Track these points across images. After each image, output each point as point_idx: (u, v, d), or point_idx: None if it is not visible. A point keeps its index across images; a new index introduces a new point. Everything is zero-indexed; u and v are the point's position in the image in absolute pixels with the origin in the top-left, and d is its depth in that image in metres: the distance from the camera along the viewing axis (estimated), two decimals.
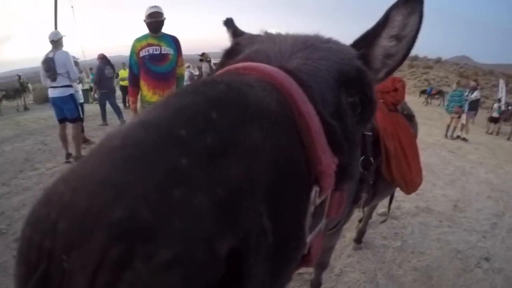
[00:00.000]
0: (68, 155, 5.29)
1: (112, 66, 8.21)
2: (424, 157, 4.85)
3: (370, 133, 1.40)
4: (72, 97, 4.90)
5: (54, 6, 16.39)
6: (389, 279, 2.26)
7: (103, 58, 8.21)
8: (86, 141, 6.37)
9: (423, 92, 20.09)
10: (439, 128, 9.74)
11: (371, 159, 1.37)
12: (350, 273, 2.32)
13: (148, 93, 3.37)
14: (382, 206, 3.06)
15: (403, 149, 1.52)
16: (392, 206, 3.27)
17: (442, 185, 4.42)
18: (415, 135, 1.87)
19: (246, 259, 0.29)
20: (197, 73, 9.21)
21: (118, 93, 12.76)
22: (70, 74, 4.75)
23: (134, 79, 3.43)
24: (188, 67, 10.24)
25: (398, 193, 1.70)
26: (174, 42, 3.45)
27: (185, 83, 8.64)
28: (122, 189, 0.23)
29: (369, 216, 2.74)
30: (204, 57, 9.33)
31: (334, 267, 2.39)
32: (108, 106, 8.18)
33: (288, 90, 0.40)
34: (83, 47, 11.21)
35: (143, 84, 3.39)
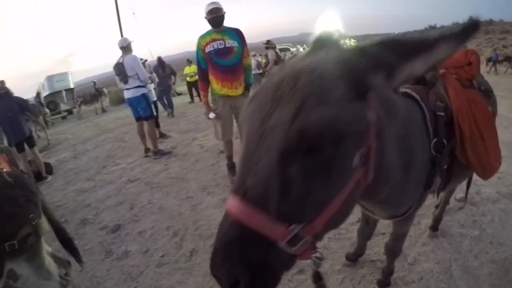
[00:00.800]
0: (147, 150, 5.78)
1: (164, 67, 9.07)
2: (507, 136, 4.46)
3: (442, 113, 1.34)
4: (144, 96, 5.33)
5: (117, 16, 17.70)
6: (464, 271, 2.15)
7: (159, 61, 9.28)
8: (162, 135, 6.88)
9: (489, 60, 17.95)
10: None
11: (444, 141, 1.31)
12: (423, 262, 2.26)
13: (217, 86, 3.51)
14: (461, 191, 2.90)
15: (479, 130, 1.41)
16: (472, 191, 3.09)
17: None
18: (494, 113, 1.72)
19: None
20: (263, 61, 9.30)
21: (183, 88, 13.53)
22: (140, 75, 5.16)
23: (202, 74, 3.58)
24: (254, 55, 10.39)
25: (478, 177, 1.62)
26: (237, 34, 3.54)
27: (254, 72, 8.89)
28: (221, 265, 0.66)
29: (446, 202, 2.61)
30: (269, 45, 9.40)
31: (407, 256, 2.35)
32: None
33: (243, 220, 0.65)
34: (150, 48, 11.96)
35: (211, 78, 3.53)
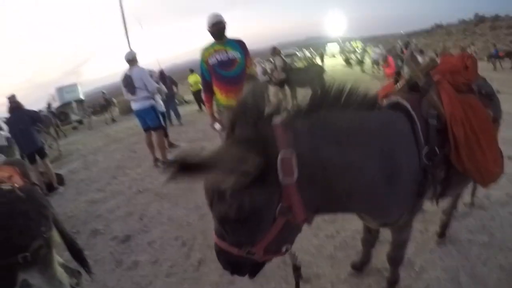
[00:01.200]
0: (156, 160, 5.86)
1: (165, 79, 9.75)
2: None
3: (434, 120, 1.37)
4: (152, 107, 5.46)
5: (124, 28, 18.02)
6: (472, 279, 2.13)
7: (160, 74, 9.77)
8: (171, 145, 6.97)
9: (490, 56, 16.92)
10: None
11: (436, 149, 1.33)
12: (431, 270, 2.25)
13: (222, 97, 3.57)
14: (468, 195, 2.91)
15: (476, 136, 1.42)
16: (480, 194, 3.06)
17: None
18: (495, 118, 1.72)
19: None
20: (269, 67, 9.37)
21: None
22: (148, 86, 5.29)
23: (207, 85, 3.65)
24: (260, 62, 10.45)
25: None
26: (239, 45, 3.59)
27: (260, 79, 8.91)
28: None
29: (453, 207, 2.58)
30: (275, 52, 9.48)
31: (414, 263, 2.34)
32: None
33: (217, 244, 1.14)
34: (157, 58, 12.15)
35: (216, 89, 3.59)
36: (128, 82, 5.27)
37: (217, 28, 3.49)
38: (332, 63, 29.15)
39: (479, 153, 1.44)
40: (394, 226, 1.52)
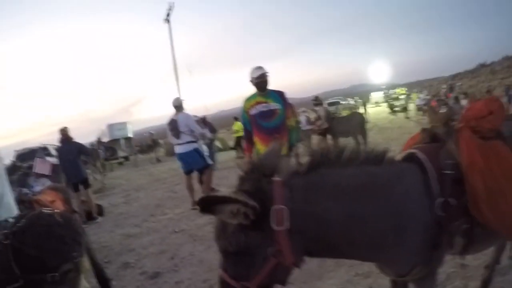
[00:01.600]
0: (194, 203, 5.81)
1: (205, 125, 9.43)
2: None
3: (450, 171, 1.33)
4: (196, 150, 5.61)
5: (175, 74, 19.37)
6: None
7: (203, 120, 9.77)
8: (211, 189, 7.01)
9: None
10: None
11: (451, 200, 1.29)
12: None
13: (262, 146, 3.63)
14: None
15: (500, 185, 1.33)
16: None
17: None
18: None
19: None
20: (313, 116, 9.49)
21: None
22: (195, 131, 5.53)
23: (248, 135, 3.78)
24: (304, 111, 10.66)
25: None
26: (280, 97, 3.72)
27: (304, 128, 8.96)
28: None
29: (495, 261, 2.33)
30: (317, 101, 9.63)
31: None
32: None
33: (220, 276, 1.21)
34: (206, 105, 12.78)
35: (256, 139, 3.69)
36: (173, 126, 5.52)
37: (260, 81, 3.65)
38: (376, 111, 29.01)
39: (504, 205, 1.34)
40: (414, 279, 1.43)
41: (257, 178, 1.22)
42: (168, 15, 23.49)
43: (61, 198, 3.40)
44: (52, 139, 8.66)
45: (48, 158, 7.62)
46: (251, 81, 3.68)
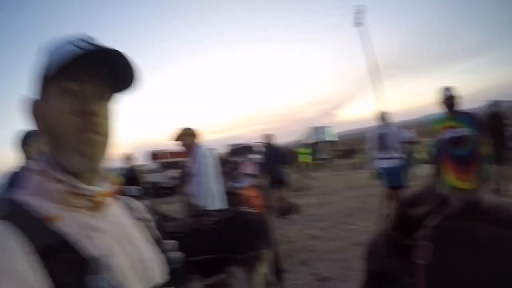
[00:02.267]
0: (384, 217, 5.87)
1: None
2: None
3: None
4: (399, 168, 5.53)
5: (371, 78, 18.74)
6: None
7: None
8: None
9: None
10: None
11: None
12: None
13: (450, 176, 3.42)
14: None
15: None
16: None
17: None
18: None
19: None
20: None
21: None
22: (399, 147, 5.47)
23: (436, 159, 3.62)
24: None
25: None
26: (473, 120, 3.44)
27: None
28: None
29: None
30: None
31: None
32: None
33: None
34: (409, 110, 12.05)
35: (444, 167, 3.48)
36: (381, 140, 5.57)
37: (450, 102, 3.44)
38: None
39: None
40: None
41: (405, 226, 1.26)
42: (358, 18, 23.27)
43: (261, 195, 4.27)
44: (258, 136, 10.12)
45: (254, 156, 9.11)
46: (441, 102, 3.52)
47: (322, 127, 21.26)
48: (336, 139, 20.87)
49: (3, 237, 0.52)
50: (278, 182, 6.81)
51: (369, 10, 23.98)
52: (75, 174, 0.62)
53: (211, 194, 3.34)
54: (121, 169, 6.97)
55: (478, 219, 1.19)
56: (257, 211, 2.95)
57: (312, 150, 19.29)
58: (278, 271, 2.94)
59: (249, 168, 7.23)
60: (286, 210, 6.68)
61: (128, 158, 7.24)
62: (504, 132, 6.54)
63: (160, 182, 14.28)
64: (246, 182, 6.26)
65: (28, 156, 2.12)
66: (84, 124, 0.62)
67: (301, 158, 13.88)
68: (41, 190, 0.61)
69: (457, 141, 3.39)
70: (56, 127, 0.62)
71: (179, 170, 10.83)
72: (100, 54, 0.64)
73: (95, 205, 0.65)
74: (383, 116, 5.64)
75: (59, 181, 0.61)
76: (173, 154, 14.89)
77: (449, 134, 3.43)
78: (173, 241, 0.77)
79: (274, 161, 6.84)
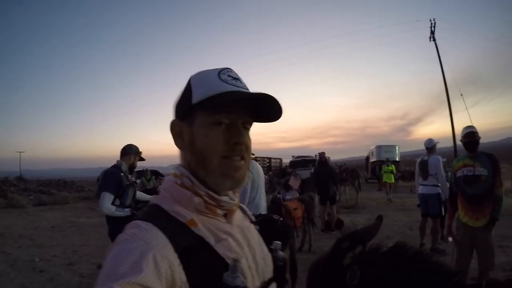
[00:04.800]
0: (421, 245, 5.91)
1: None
2: None
3: None
4: (438, 196, 5.80)
5: (446, 98, 17.97)
6: None
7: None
8: (443, 238, 6.92)
9: None
10: None
11: None
12: None
13: (461, 212, 3.64)
14: None
15: None
16: None
17: None
18: None
19: None
20: None
21: None
22: (439, 176, 5.74)
23: (452, 197, 3.82)
24: None
25: None
26: (489, 161, 3.57)
27: None
28: None
29: None
30: None
31: None
32: None
33: None
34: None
35: (459, 203, 3.69)
36: (423, 166, 5.92)
37: (469, 140, 3.65)
38: None
39: None
40: None
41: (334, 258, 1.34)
42: (432, 32, 22.51)
43: (302, 208, 5.00)
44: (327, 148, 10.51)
45: (304, 171, 9.65)
46: (461, 140, 3.76)
47: (387, 146, 21.05)
48: (398, 159, 20.46)
49: (152, 236, 0.63)
50: (326, 198, 7.44)
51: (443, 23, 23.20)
52: (213, 189, 0.73)
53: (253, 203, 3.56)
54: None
55: (395, 259, 1.27)
56: (281, 220, 3.30)
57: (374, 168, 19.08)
58: (292, 270, 3.60)
59: (294, 184, 7.90)
60: (330, 225, 7.21)
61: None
62: None
63: None
64: (291, 194, 6.96)
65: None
66: (234, 153, 0.72)
67: (385, 178, 13.55)
68: (181, 199, 0.72)
69: (471, 179, 3.56)
70: (206, 152, 0.72)
71: None
72: (257, 95, 0.73)
73: (228, 213, 0.76)
74: (428, 145, 5.96)
75: (198, 194, 0.72)
76: None
77: (464, 172, 3.62)
78: (278, 242, 0.89)
79: (323, 180, 7.49)
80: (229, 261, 0.65)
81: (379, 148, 20.63)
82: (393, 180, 13.77)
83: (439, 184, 5.75)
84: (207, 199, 0.72)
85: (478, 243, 3.54)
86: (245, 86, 0.76)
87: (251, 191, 3.42)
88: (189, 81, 0.77)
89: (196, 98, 0.73)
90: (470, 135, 3.65)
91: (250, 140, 0.78)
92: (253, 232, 0.84)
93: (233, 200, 0.77)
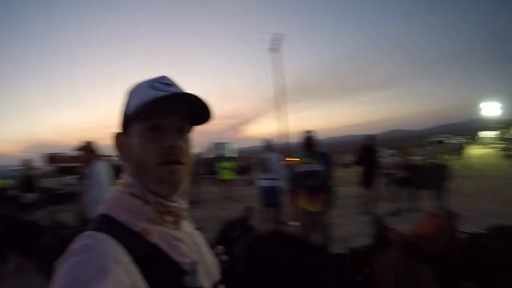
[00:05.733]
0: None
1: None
2: None
3: (360, 278, 1.65)
4: (277, 188, 6.11)
5: (280, 104, 20.40)
6: None
7: None
8: (282, 223, 7.50)
9: None
10: None
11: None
12: None
13: (303, 201, 4.30)
14: None
15: None
16: None
17: None
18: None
19: None
20: (390, 163, 8.94)
21: None
22: (277, 171, 6.07)
23: (293, 189, 4.47)
24: (393, 155, 10.04)
25: None
26: (324, 158, 4.33)
27: (388, 171, 8.59)
28: None
29: None
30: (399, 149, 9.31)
31: None
32: None
33: None
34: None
35: (300, 195, 4.33)
36: (263, 162, 6.23)
37: (307, 142, 4.38)
38: (485, 154, 26.01)
39: None
40: None
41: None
42: (274, 44, 26.01)
43: None
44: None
45: None
46: (301, 141, 4.42)
47: (223, 143, 22.28)
48: (236, 155, 21.81)
49: (107, 246, 0.63)
50: None
51: (287, 39, 26.58)
52: (161, 196, 0.75)
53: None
54: (17, 171, 6.50)
55: (279, 242, 1.68)
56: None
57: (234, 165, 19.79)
58: None
59: None
60: None
61: (26, 162, 7.08)
62: (375, 162, 7.96)
63: (55, 188, 13.53)
64: None
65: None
66: (169, 158, 0.73)
67: (225, 175, 13.86)
68: (132, 208, 0.73)
69: (310, 174, 4.24)
70: (142, 160, 0.74)
71: (76, 177, 10.44)
72: (177, 95, 0.75)
73: (177, 220, 0.78)
74: (267, 144, 6.42)
75: (148, 202, 0.73)
76: (72, 158, 14.21)
77: (304, 168, 4.28)
78: (221, 246, 0.94)
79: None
80: (184, 267, 0.70)
81: (215, 144, 21.67)
82: (233, 177, 14.38)
83: (278, 178, 6.15)
84: (157, 206, 0.74)
85: (318, 223, 4.25)
86: (180, 90, 0.78)
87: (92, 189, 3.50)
88: (126, 93, 0.80)
89: (129, 109, 0.76)
90: (309, 138, 4.36)
91: (189, 144, 0.79)
92: (200, 238, 0.87)
93: (182, 205, 0.79)
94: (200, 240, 0.86)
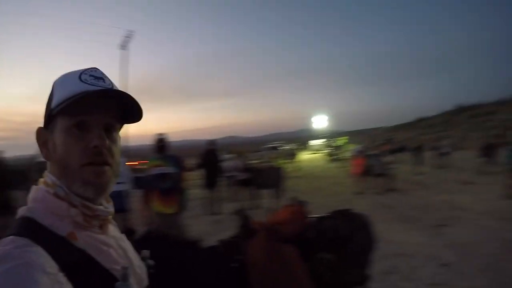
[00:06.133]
0: None
1: None
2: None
3: (236, 265, 1.75)
4: (123, 192, 5.44)
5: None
6: None
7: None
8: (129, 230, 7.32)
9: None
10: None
11: None
12: None
13: (157, 204, 4.22)
14: None
15: (278, 284, 1.72)
16: None
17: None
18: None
19: None
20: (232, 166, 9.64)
21: None
22: (124, 174, 5.50)
23: (146, 192, 4.34)
24: (230, 158, 10.61)
25: None
26: (176, 161, 4.34)
27: (229, 174, 9.18)
28: None
29: None
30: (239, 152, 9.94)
31: None
32: None
33: None
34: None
35: (153, 197, 4.25)
36: None
37: (159, 145, 4.36)
38: (313, 158, 30.37)
39: None
40: None
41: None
42: (124, 41, 25.06)
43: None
44: None
45: None
46: (154, 144, 4.38)
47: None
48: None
49: (33, 254, 0.56)
50: None
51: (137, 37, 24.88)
52: (87, 198, 0.68)
53: None
54: None
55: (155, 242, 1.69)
56: None
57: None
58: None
59: None
60: None
61: None
62: (217, 165, 8.26)
63: None
64: None
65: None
66: (95, 158, 0.67)
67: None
68: (57, 211, 0.66)
69: (162, 177, 4.18)
70: (66, 159, 0.67)
71: None
72: (105, 91, 0.69)
73: (103, 224, 0.73)
74: None
75: (74, 205, 0.67)
76: None
77: (156, 171, 4.21)
78: (147, 250, 0.86)
79: None
80: (115, 273, 0.65)
81: None
82: None
83: (124, 182, 6.02)
84: (83, 209, 0.68)
85: (172, 225, 4.23)
86: (110, 85, 0.72)
87: None
88: (52, 85, 0.72)
89: (54, 102, 0.69)
90: (160, 141, 4.33)
91: (117, 144, 0.74)
92: (126, 242, 0.81)
93: (108, 209, 0.74)
94: (126, 244, 0.80)
